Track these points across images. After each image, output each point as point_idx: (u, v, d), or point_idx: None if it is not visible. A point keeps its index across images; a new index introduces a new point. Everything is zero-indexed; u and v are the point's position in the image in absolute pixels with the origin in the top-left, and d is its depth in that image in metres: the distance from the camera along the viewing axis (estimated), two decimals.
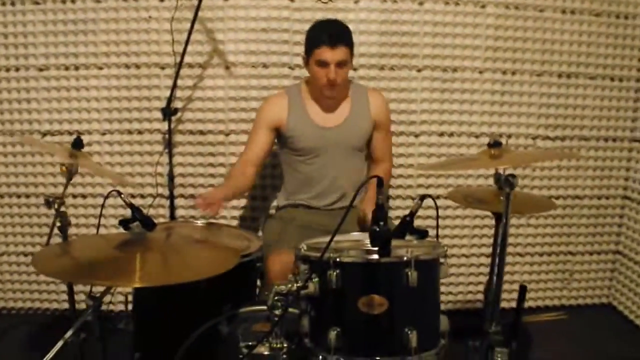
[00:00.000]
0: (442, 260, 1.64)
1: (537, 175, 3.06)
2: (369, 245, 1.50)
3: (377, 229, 1.48)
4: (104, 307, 2.87)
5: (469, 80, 2.93)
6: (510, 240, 3.11)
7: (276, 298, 1.57)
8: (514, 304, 2.96)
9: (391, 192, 3.01)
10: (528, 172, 3.04)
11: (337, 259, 1.54)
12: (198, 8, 2.56)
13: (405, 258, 1.52)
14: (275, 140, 2.58)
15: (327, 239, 1.96)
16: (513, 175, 1.71)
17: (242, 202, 2.98)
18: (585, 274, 3.23)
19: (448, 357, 1.70)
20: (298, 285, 1.56)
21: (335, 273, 1.53)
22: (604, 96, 3.03)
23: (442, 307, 3.02)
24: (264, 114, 2.54)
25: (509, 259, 3.13)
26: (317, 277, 1.57)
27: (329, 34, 2.34)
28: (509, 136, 3.00)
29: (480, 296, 3.11)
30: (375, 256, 1.51)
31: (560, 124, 3.03)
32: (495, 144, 1.78)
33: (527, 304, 3.19)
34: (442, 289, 3.03)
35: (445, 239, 3.05)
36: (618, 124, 3.07)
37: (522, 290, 1.97)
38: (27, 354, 2.63)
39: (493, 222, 2.22)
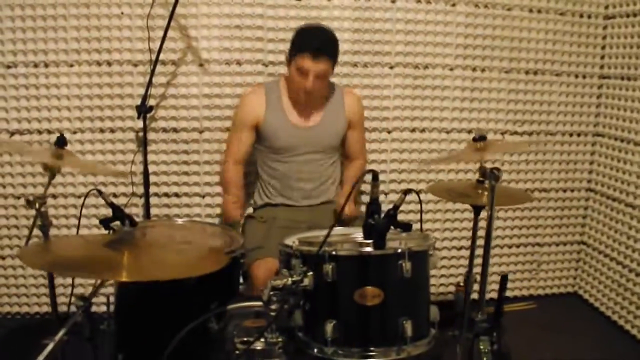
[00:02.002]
0: (431, 251, 1.68)
1: (505, 169, 3.14)
2: (359, 238, 1.54)
3: (372, 222, 1.51)
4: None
5: (440, 77, 3.00)
6: (480, 232, 3.18)
7: (272, 293, 1.59)
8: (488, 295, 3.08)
9: (366, 187, 3.05)
10: (497, 165, 3.10)
11: (332, 253, 1.56)
12: (175, 5, 2.55)
13: (399, 250, 1.55)
14: None
15: (314, 233, 2.00)
16: (498, 169, 1.77)
17: (217, 199, 2.96)
18: (552, 264, 3.34)
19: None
20: (293, 279, 1.57)
21: (330, 266, 1.55)
22: (569, 92, 3.14)
23: None
24: (242, 113, 2.54)
25: (479, 251, 3.19)
26: (312, 270, 1.58)
27: (314, 45, 2.34)
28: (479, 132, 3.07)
29: (452, 288, 3.19)
30: (370, 249, 1.54)
31: (527, 120, 3.12)
32: (479, 138, 1.83)
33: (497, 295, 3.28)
34: None
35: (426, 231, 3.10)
36: (582, 119, 3.19)
37: (503, 279, 2.03)
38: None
39: (468, 214, 2.28)
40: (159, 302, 1.97)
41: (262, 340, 1.63)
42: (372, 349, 1.56)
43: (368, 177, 1.53)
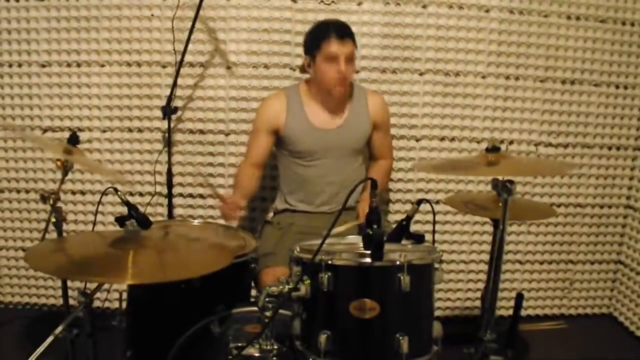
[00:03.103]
0: (436, 265, 1.62)
1: (538, 182, 3.03)
2: (363, 248, 1.49)
3: (370, 232, 1.46)
4: (99, 304, 2.91)
5: (472, 84, 2.91)
6: (511, 247, 3.09)
7: (267, 299, 1.56)
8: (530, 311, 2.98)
9: (391, 196, 2.99)
10: (529, 178, 3.02)
11: (329, 262, 1.52)
12: (199, 7, 2.56)
13: (398, 262, 1.50)
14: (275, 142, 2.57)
15: (329, 241, 1.97)
16: (511, 182, 1.70)
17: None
18: (586, 283, 3.19)
19: None
20: (289, 287, 1.54)
21: (327, 276, 1.51)
22: (608, 104, 2.99)
23: (440, 313, 3.07)
24: (262, 117, 2.52)
25: (508, 266, 3.11)
26: (309, 279, 1.55)
27: (336, 27, 2.35)
28: (511, 142, 2.97)
29: (478, 303, 3.09)
30: (368, 260, 1.49)
31: (563, 131, 3.00)
32: (492, 149, 1.75)
33: (526, 313, 3.17)
34: (440, 295, 3.07)
35: (444, 244, 3.02)
36: (622, 132, 3.04)
37: (519, 298, 1.94)
38: (22, 349, 2.63)
39: (492, 228, 2.21)
40: (167, 302, 1.98)
41: (257, 346, 1.60)
42: None
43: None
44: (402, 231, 1.91)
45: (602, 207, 3.11)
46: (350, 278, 1.54)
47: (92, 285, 1.71)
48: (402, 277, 1.48)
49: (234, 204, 2.29)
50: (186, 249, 1.80)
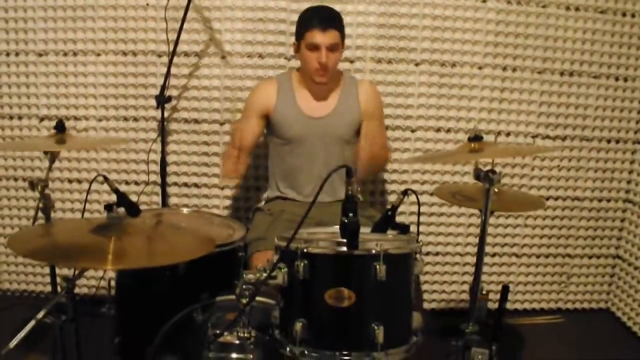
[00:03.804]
0: (416, 255, 1.60)
1: (535, 174, 3.00)
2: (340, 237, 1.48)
3: (346, 221, 1.45)
4: (90, 291, 2.92)
5: (468, 75, 2.88)
6: (507, 240, 3.06)
7: (244, 287, 1.56)
8: (507, 305, 2.95)
9: (386, 187, 2.98)
10: (527, 171, 2.99)
11: (305, 250, 1.51)
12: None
13: (374, 251, 1.48)
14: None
15: (314, 230, 1.96)
16: (493, 171, 1.68)
17: (235, 191, 2.97)
18: (583, 277, 3.16)
19: (424, 355, 1.67)
20: (266, 274, 1.54)
21: (302, 264, 1.50)
22: (608, 96, 2.95)
23: (433, 305, 3.05)
24: (253, 101, 2.53)
25: (505, 259, 3.08)
26: (286, 267, 1.54)
27: (320, 17, 2.35)
28: (508, 134, 2.94)
29: (465, 296, 3.09)
30: (344, 248, 1.48)
31: (561, 123, 2.96)
32: (475, 138, 1.73)
33: (523, 306, 3.15)
34: (432, 287, 3.06)
35: (437, 235, 3.01)
36: (622, 125, 2.99)
37: (504, 290, 1.91)
38: (13, 336, 2.65)
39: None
40: (153, 290, 2.00)
41: (235, 334, 1.60)
42: (342, 353, 1.50)
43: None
44: (388, 221, 1.90)
45: (600, 200, 3.08)
46: (326, 266, 1.53)
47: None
48: (378, 266, 1.47)
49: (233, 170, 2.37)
50: (170, 236, 1.80)
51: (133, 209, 2.01)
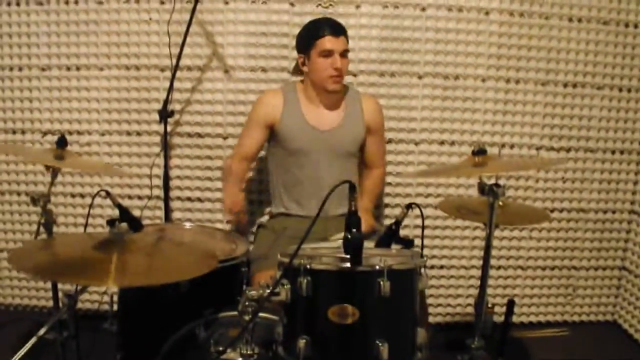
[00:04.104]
0: (420, 270, 1.58)
1: (540, 187, 2.99)
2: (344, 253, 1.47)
3: (349, 236, 1.44)
4: (94, 307, 2.91)
5: (471, 88, 2.88)
6: (512, 253, 3.04)
7: (247, 303, 1.54)
8: (513, 318, 2.93)
9: (388, 200, 2.96)
10: (531, 183, 2.97)
11: (308, 266, 1.49)
12: (193, 11, 2.56)
13: (377, 267, 1.46)
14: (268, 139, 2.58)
15: (318, 245, 1.95)
16: (498, 185, 1.67)
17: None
18: (589, 289, 3.13)
19: None
20: (269, 291, 1.52)
21: (305, 280, 1.48)
22: (612, 107, 2.94)
23: (438, 319, 3.02)
24: (258, 111, 2.53)
25: (510, 272, 3.06)
26: (289, 283, 1.53)
27: (330, 25, 2.39)
28: (512, 146, 2.93)
29: (470, 309, 3.06)
30: (348, 264, 1.47)
31: (565, 135, 2.95)
32: (479, 152, 1.72)
33: (529, 319, 3.12)
34: (437, 301, 3.03)
35: (441, 249, 2.99)
36: (626, 135, 2.98)
37: (510, 304, 1.90)
38: (15, 352, 2.63)
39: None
40: (156, 306, 1.98)
41: (238, 351, 1.58)
42: None
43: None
44: (391, 236, 1.89)
45: (605, 212, 3.06)
46: (330, 283, 1.51)
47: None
48: (382, 282, 1.45)
49: (235, 203, 2.36)
50: (172, 253, 1.79)
51: (135, 224, 2.00)
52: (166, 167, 2.79)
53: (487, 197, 1.63)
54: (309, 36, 2.41)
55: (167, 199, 2.81)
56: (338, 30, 2.39)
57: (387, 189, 2.94)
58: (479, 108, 2.90)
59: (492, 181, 1.69)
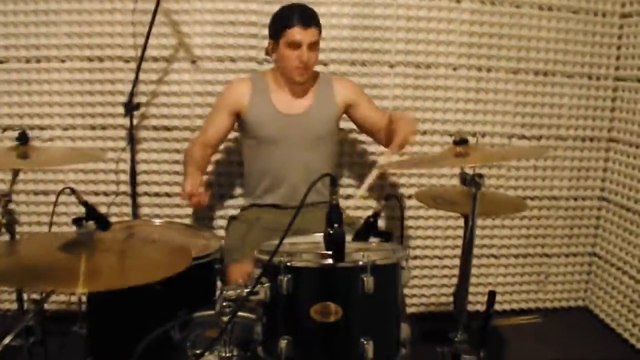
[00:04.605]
0: (403, 264, 1.55)
1: (512, 175, 2.99)
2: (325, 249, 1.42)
3: (331, 232, 1.40)
4: (61, 307, 2.81)
5: (443, 77, 2.86)
6: (484, 242, 3.05)
7: (224, 304, 1.49)
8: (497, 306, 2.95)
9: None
10: (503, 171, 2.98)
11: (288, 263, 1.45)
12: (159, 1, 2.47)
13: (360, 263, 1.43)
14: (238, 129, 2.52)
15: (296, 240, 1.90)
16: (480, 175, 1.64)
17: (209, 200, 2.88)
18: (560, 276, 3.17)
19: None
20: (247, 290, 1.47)
21: (286, 278, 1.44)
22: (581, 95, 2.96)
23: (413, 310, 3.01)
24: (225, 97, 2.47)
25: (482, 261, 3.07)
26: (268, 281, 1.48)
27: (300, 14, 2.30)
28: (484, 135, 2.93)
29: (451, 299, 3.05)
30: (329, 261, 1.42)
31: (536, 123, 2.96)
32: (460, 142, 1.69)
33: (502, 307, 3.14)
34: (413, 291, 3.02)
35: (415, 239, 2.98)
36: (595, 123, 3.01)
37: (491, 296, 1.88)
38: None
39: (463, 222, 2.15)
40: (126, 306, 1.90)
41: (216, 353, 1.53)
42: None
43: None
44: (370, 229, 1.85)
45: (576, 199, 3.09)
46: (311, 280, 1.47)
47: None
48: (365, 279, 1.41)
49: (195, 189, 2.19)
50: (144, 251, 1.71)
51: (103, 223, 1.92)
52: (133, 162, 2.70)
53: (470, 187, 1.60)
54: (278, 24, 2.34)
55: (134, 195, 2.72)
56: (308, 21, 2.30)
57: (381, 181, 2.91)
58: (451, 97, 2.89)
59: (473, 172, 1.66)
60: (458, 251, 3.01)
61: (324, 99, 2.46)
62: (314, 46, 2.32)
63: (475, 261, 3.05)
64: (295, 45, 2.28)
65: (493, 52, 2.85)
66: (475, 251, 2.99)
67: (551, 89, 2.93)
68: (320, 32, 2.35)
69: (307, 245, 1.70)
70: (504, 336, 2.89)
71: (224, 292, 1.48)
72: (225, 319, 1.46)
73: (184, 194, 2.19)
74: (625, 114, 2.90)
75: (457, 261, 3.02)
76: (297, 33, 2.27)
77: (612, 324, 2.98)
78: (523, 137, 2.96)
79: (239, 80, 2.52)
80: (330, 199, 1.42)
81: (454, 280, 3.02)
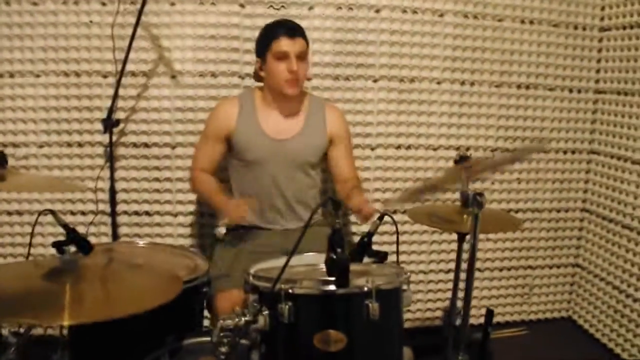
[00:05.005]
0: (404, 287, 1.52)
1: (496, 188, 3.00)
2: (325, 271, 1.38)
3: (334, 257, 1.35)
4: (38, 331, 2.69)
5: (427, 91, 2.84)
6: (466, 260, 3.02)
7: (222, 334, 1.43)
8: (473, 320, 2.94)
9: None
10: (487, 185, 2.98)
11: (290, 290, 1.40)
12: (140, 13, 2.40)
13: (365, 288, 1.38)
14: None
15: (280, 261, 1.84)
16: (481, 194, 1.61)
17: (189, 219, 2.81)
18: (545, 287, 3.18)
19: None
20: (246, 319, 1.41)
21: (287, 306, 1.39)
22: (563, 108, 2.99)
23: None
24: (212, 123, 2.40)
25: (463, 278, 3.04)
26: (267, 309, 1.42)
27: (286, 26, 2.28)
28: (467, 149, 2.91)
29: (438, 313, 3.04)
30: (332, 287, 1.38)
31: (519, 136, 2.97)
32: (462, 159, 1.66)
33: (477, 321, 3.11)
34: None
35: (402, 255, 2.94)
36: (577, 135, 3.03)
37: (489, 314, 1.87)
38: None
39: (451, 236, 2.12)
40: (113, 333, 1.82)
41: None
42: None
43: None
44: (364, 249, 1.81)
45: (559, 211, 3.10)
46: (314, 308, 1.42)
47: None
48: (370, 305, 1.37)
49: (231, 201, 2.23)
50: (131, 277, 1.64)
51: (84, 246, 1.84)
52: (112, 180, 2.61)
53: (472, 207, 1.56)
54: (264, 38, 2.30)
55: (113, 214, 2.64)
56: (294, 31, 2.27)
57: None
58: (435, 111, 2.87)
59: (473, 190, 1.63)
60: (443, 265, 3.01)
61: (315, 125, 2.40)
62: (302, 57, 2.28)
63: (461, 275, 3.03)
64: (283, 56, 2.24)
65: (476, 65, 2.85)
66: (452, 265, 3.00)
67: (533, 102, 2.95)
68: (307, 44, 2.32)
69: (303, 269, 1.65)
70: (490, 349, 2.87)
71: (222, 321, 1.42)
72: (223, 349, 1.40)
73: (229, 211, 2.18)
74: (606, 126, 2.93)
75: (442, 275, 3.03)
76: (284, 44, 2.23)
77: (596, 334, 2.99)
78: (506, 150, 2.96)
79: (225, 102, 2.45)
80: (333, 222, 1.37)
81: (439, 294, 3.02)
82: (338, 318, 1.41)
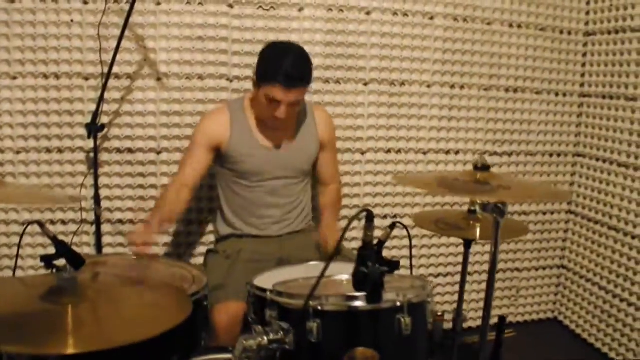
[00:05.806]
0: (429, 299, 1.48)
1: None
2: (344, 281, 1.32)
3: (366, 271, 1.30)
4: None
5: (417, 94, 2.82)
6: (458, 259, 3.02)
7: (244, 355, 1.36)
8: (471, 323, 2.94)
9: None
10: None
11: (318, 307, 1.34)
12: (130, 13, 2.29)
13: (398, 303, 1.33)
14: (214, 161, 2.35)
15: (281, 271, 1.78)
16: (504, 203, 1.56)
17: (176, 226, 2.71)
18: (531, 289, 3.20)
19: None
20: (270, 338, 1.35)
21: (315, 324, 1.33)
22: (549, 111, 3.01)
23: None
24: (203, 132, 2.30)
25: (457, 278, 3.04)
26: (293, 327, 1.36)
27: (288, 74, 2.06)
28: (457, 152, 2.92)
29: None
30: (361, 303, 1.33)
31: (507, 139, 2.98)
32: (482, 167, 1.62)
33: (474, 323, 3.12)
34: None
35: (403, 259, 2.91)
36: (562, 139, 3.07)
37: (501, 321, 1.84)
38: None
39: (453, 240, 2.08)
40: (110, 353, 1.72)
41: None
42: None
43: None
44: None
45: (545, 213, 3.13)
46: (343, 325, 1.37)
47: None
48: (402, 319, 1.33)
49: (145, 236, 2.01)
50: (137, 296, 1.54)
51: (76, 261, 1.73)
52: (96, 188, 2.49)
53: (493, 215, 1.52)
54: (263, 71, 2.14)
55: (98, 223, 2.52)
56: (293, 82, 2.08)
57: (345, 201, 2.81)
58: (425, 115, 2.86)
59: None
60: (442, 269, 3.00)
61: (307, 132, 2.36)
62: (295, 104, 2.16)
63: (449, 279, 3.03)
64: (274, 100, 2.11)
65: (466, 69, 2.85)
66: (450, 269, 3.01)
67: (521, 105, 2.97)
68: (308, 85, 2.18)
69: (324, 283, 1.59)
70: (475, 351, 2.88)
71: (244, 342, 1.34)
72: None
73: (130, 237, 2.02)
74: (591, 129, 2.97)
75: (440, 279, 3.01)
76: (277, 93, 2.08)
77: (583, 334, 3.04)
78: (495, 153, 2.97)
79: (215, 112, 2.36)
80: (364, 234, 1.32)
81: (438, 298, 3.00)
82: (369, 335, 1.36)
